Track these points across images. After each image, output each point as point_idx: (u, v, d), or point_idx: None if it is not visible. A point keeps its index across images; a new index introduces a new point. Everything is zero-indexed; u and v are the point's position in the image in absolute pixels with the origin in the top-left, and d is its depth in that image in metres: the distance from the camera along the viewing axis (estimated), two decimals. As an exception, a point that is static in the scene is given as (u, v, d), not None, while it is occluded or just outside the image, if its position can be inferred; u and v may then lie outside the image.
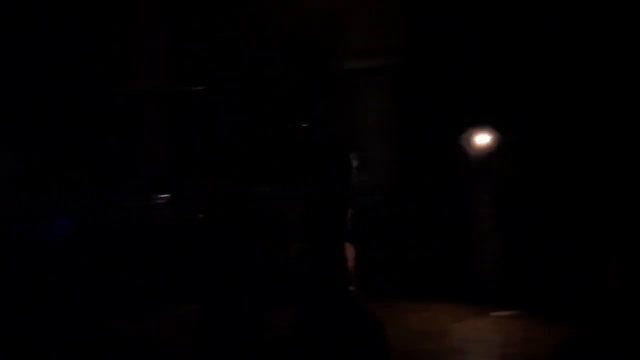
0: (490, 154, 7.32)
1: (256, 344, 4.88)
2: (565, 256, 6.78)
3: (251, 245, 6.11)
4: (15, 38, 8.77)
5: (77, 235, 5.04)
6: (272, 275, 6.27)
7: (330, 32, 8.55)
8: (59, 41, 9.01)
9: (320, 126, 4.39)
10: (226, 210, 6.56)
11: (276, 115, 8.59)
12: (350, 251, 4.21)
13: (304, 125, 4.36)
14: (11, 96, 8.70)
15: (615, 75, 6.75)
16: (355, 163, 4.25)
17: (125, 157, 9.01)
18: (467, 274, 7.38)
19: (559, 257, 6.81)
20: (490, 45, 7.33)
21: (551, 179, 6.97)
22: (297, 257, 4.34)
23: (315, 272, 4.22)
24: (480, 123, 7.34)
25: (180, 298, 4.32)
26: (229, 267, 5.53)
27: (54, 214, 5.25)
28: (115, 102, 9.19)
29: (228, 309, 4.91)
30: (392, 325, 5.17)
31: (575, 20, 6.94)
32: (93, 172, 8.48)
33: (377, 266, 6.43)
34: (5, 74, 8.63)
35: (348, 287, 4.19)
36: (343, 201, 4.23)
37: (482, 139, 7.33)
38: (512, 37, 7.23)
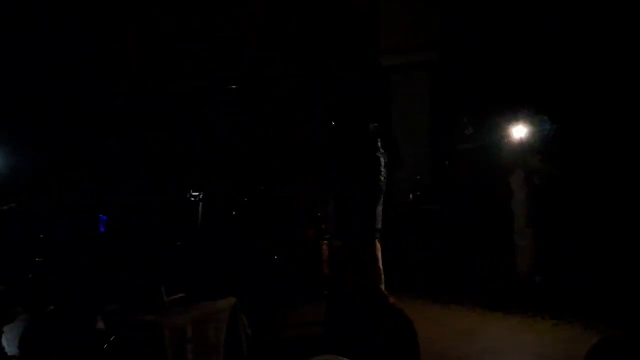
0: (525, 150, 7.28)
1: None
2: (603, 256, 6.68)
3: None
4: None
5: (113, 231, 5.11)
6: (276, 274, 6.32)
7: (365, 29, 8.51)
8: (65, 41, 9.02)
9: (350, 125, 4.41)
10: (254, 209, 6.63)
11: (303, 114, 8.55)
12: (379, 249, 4.25)
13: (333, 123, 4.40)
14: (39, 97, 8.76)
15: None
16: (383, 161, 4.28)
17: (157, 154, 9.04)
18: (502, 275, 7.25)
19: (597, 258, 6.71)
20: (526, 39, 7.29)
21: (588, 176, 6.90)
22: (329, 256, 4.37)
23: (346, 270, 4.25)
24: (516, 118, 7.31)
25: (210, 293, 4.35)
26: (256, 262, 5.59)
27: (96, 211, 5.30)
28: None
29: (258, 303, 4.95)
30: (429, 325, 5.13)
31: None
32: (122, 169, 8.50)
33: (403, 265, 6.37)
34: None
35: (378, 285, 4.22)
36: (372, 197, 4.26)
37: (517, 134, 7.28)
38: (547, 31, 7.21)
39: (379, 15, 8.44)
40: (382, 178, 4.27)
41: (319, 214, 4.59)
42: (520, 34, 7.29)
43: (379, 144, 4.35)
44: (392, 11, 8.37)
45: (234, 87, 8.32)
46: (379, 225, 4.29)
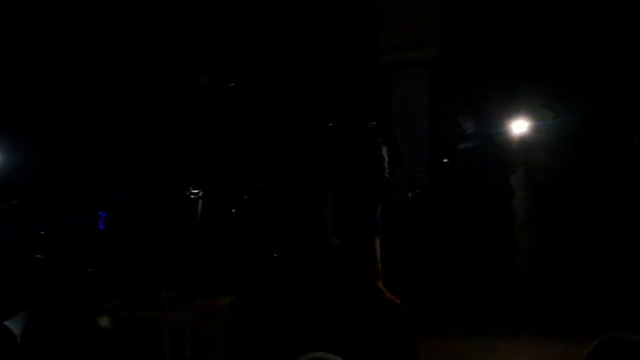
0: (526, 148, 7.26)
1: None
2: (603, 256, 6.64)
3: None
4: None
5: (113, 229, 5.15)
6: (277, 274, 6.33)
7: (365, 29, 8.48)
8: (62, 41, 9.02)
9: (353, 122, 4.40)
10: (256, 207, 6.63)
11: (303, 114, 8.52)
12: (378, 246, 4.24)
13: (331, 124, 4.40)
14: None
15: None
16: (386, 158, 4.27)
17: (160, 152, 9.03)
18: (502, 275, 7.16)
19: (597, 258, 6.67)
20: (526, 39, 7.27)
21: (588, 176, 6.88)
22: (329, 253, 4.36)
23: (345, 267, 4.24)
24: (516, 117, 7.29)
25: (210, 290, 4.36)
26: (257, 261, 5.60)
27: (96, 210, 5.34)
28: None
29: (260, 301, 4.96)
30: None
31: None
32: (122, 169, 8.49)
33: (402, 265, 6.28)
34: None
35: (376, 281, 4.21)
36: (374, 196, 4.25)
37: (518, 133, 7.26)
38: (547, 31, 7.20)
39: (379, 13, 8.42)
40: (386, 176, 4.27)
41: (319, 213, 4.57)
42: (520, 34, 7.29)
43: (380, 142, 4.33)
44: (392, 10, 8.35)
45: (233, 84, 8.32)
46: (379, 222, 4.28)
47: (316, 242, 4.76)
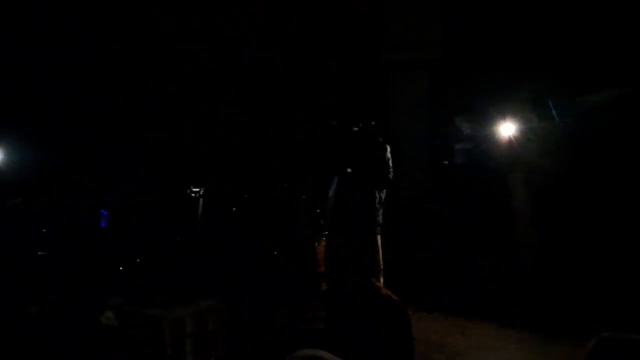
0: (525, 149, 7.27)
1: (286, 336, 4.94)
2: (603, 256, 6.64)
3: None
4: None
5: (114, 229, 5.17)
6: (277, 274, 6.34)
7: (365, 29, 8.48)
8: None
9: (355, 123, 4.42)
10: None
11: (303, 114, 8.52)
12: (379, 244, 4.25)
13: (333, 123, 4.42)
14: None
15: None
16: (390, 157, 4.28)
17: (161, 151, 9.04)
18: (502, 275, 7.18)
19: (597, 258, 6.67)
20: (526, 39, 7.27)
21: (588, 176, 6.88)
22: (327, 254, 4.36)
23: (345, 266, 4.25)
24: (515, 117, 7.29)
25: (211, 290, 4.37)
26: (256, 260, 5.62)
27: (97, 209, 5.37)
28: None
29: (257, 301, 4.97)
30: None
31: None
32: (122, 169, 8.50)
33: (403, 265, 6.30)
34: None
35: (376, 278, 4.23)
36: (375, 196, 4.27)
37: (517, 133, 7.26)
38: (547, 31, 7.21)
39: (379, 14, 8.43)
40: (390, 176, 4.29)
41: (318, 211, 4.60)
42: (520, 34, 7.29)
43: (382, 142, 4.35)
44: (392, 10, 8.36)
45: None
46: (380, 220, 4.30)
47: (316, 241, 4.77)
